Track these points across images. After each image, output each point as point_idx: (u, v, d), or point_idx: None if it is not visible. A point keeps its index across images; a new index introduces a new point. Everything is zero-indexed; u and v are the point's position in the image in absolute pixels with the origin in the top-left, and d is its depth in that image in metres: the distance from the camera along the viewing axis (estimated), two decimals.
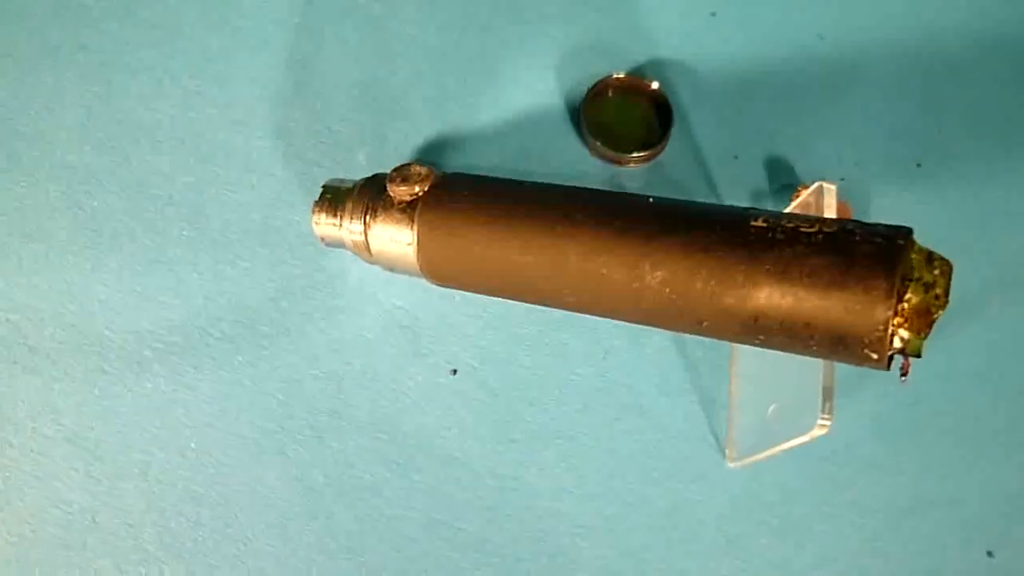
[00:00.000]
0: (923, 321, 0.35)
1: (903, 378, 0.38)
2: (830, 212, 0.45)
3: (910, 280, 0.35)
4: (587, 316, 0.43)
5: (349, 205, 0.47)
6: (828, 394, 0.41)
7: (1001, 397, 0.52)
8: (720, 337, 0.40)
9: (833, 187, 0.45)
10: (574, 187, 0.43)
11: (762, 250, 0.37)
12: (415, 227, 0.45)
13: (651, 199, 0.41)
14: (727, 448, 0.50)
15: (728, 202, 0.55)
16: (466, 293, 0.47)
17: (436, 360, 0.50)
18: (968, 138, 0.58)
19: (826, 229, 0.37)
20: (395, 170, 0.47)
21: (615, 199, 0.42)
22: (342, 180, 0.49)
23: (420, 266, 0.46)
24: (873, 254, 0.35)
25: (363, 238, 0.47)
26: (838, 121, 0.58)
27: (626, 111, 0.56)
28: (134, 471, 0.46)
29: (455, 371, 0.50)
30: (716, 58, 0.59)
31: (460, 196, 0.44)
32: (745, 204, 0.42)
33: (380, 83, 0.55)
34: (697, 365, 0.52)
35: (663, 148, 0.56)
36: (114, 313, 0.49)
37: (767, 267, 0.37)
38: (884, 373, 0.37)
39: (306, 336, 0.50)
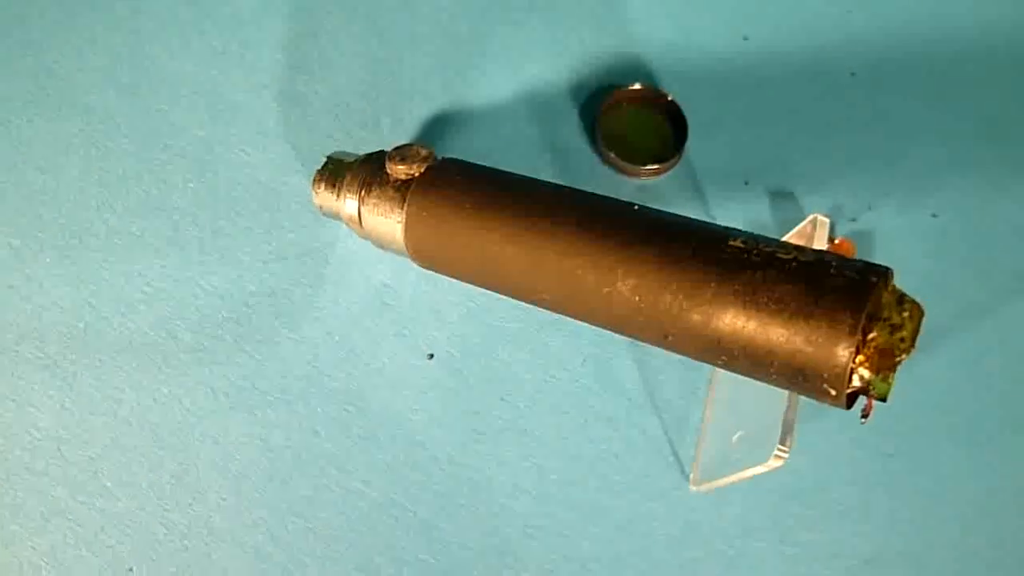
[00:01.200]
0: (885, 362, 0.34)
1: (863, 420, 0.37)
2: (820, 245, 0.44)
3: (878, 319, 0.34)
4: (572, 320, 0.43)
5: (348, 178, 0.48)
6: (788, 427, 0.40)
7: (980, 463, 0.51)
8: (685, 353, 0.39)
9: (826, 220, 0.45)
10: (564, 186, 0.43)
11: (734, 270, 0.37)
12: (406, 207, 0.45)
13: (636, 207, 0.41)
14: (692, 471, 0.50)
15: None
16: (454, 281, 0.47)
17: (415, 342, 0.51)
18: (990, 195, 0.57)
19: (802, 258, 0.36)
20: (396, 148, 0.47)
21: (600, 202, 0.42)
22: (347, 153, 0.50)
23: (406, 246, 0.46)
24: (844, 288, 0.35)
25: (357, 212, 0.48)
26: (858, 161, 0.57)
27: (641, 122, 0.56)
28: (105, 408, 0.47)
29: (432, 356, 0.51)
30: (742, 81, 0.58)
31: (452, 181, 0.45)
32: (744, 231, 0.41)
33: (399, 66, 0.56)
34: (674, 385, 0.51)
35: (676, 162, 0.55)
36: (109, 251, 0.50)
37: (736, 287, 0.36)
38: (864, 418, 0.37)
39: (291, 301, 0.51)
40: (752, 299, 0.36)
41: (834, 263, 0.36)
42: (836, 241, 0.54)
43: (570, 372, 0.51)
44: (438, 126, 0.56)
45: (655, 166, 0.54)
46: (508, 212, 0.42)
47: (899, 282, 0.36)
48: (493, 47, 0.57)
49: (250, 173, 0.53)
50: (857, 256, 0.54)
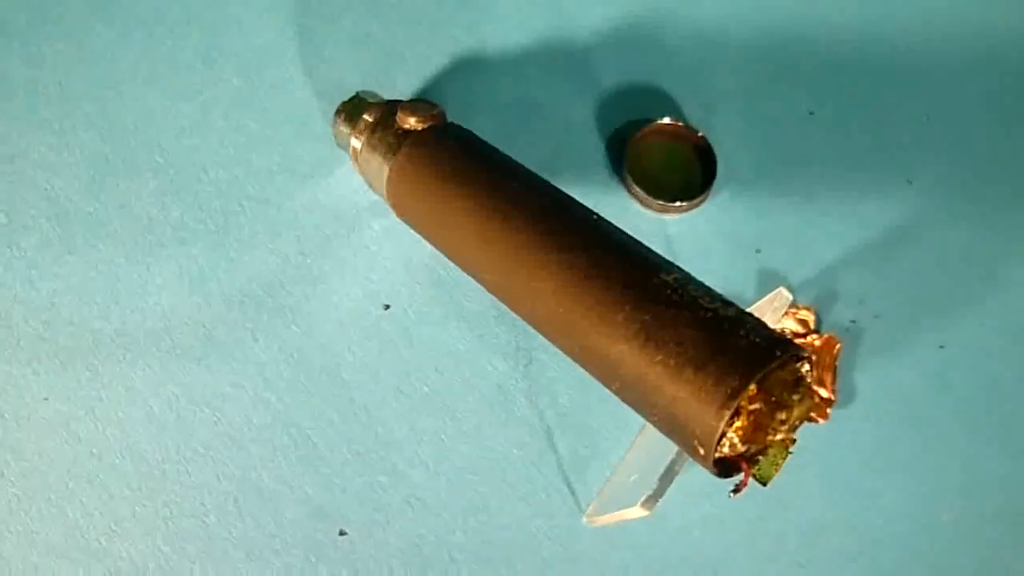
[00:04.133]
0: (757, 436, 0.33)
1: (733, 494, 0.36)
2: (775, 315, 0.43)
3: (767, 392, 0.33)
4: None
5: (365, 117, 0.50)
6: (665, 480, 0.39)
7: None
8: (587, 369, 0.39)
9: (789, 297, 0.43)
10: (547, 183, 0.43)
11: (651, 302, 0.36)
12: (397, 155, 0.46)
13: (596, 217, 0.41)
14: (591, 503, 0.48)
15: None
16: (435, 250, 0.48)
17: (376, 289, 0.52)
18: (1001, 334, 0.54)
19: (722, 312, 0.35)
20: (411, 100, 0.48)
21: (565, 203, 0.41)
22: (373, 94, 0.52)
23: (387, 191, 0.47)
24: (744, 351, 0.33)
25: (359, 149, 0.49)
26: (875, 266, 0.55)
27: (669, 157, 0.55)
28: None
29: (388, 307, 0.51)
30: (797, 151, 0.57)
31: (445, 144, 0.45)
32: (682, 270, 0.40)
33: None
34: (609, 416, 0.50)
35: (702, 202, 0.54)
36: (118, 176, 0.53)
37: (646, 318, 0.36)
38: (735, 492, 0.35)
39: (281, 214, 0.52)
40: (656, 335, 0.35)
41: (750, 326, 0.35)
42: (795, 310, 0.52)
43: (511, 366, 0.51)
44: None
45: (680, 203, 0.53)
46: (477, 188, 0.43)
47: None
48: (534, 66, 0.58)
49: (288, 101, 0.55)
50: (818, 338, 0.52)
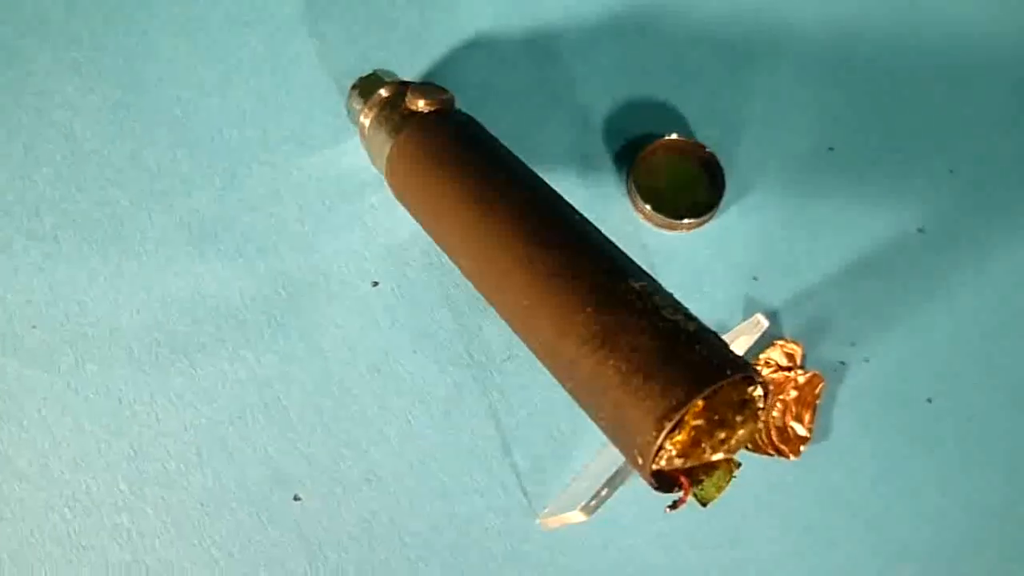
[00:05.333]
0: (694, 452, 0.33)
1: (670, 509, 0.35)
2: (747, 340, 0.42)
3: (712, 410, 0.33)
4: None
5: (378, 94, 0.50)
6: (607, 488, 0.38)
7: None
8: (546, 364, 0.39)
9: (765, 324, 0.42)
10: (533, 176, 0.43)
11: (615, 305, 0.36)
12: (399, 135, 0.47)
13: (579, 217, 0.41)
14: (548, 506, 0.48)
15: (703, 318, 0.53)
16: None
17: (368, 267, 0.52)
18: (994, 397, 0.52)
19: (682, 325, 0.35)
20: (423, 83, 0.49)
21: (551, 200, 0.41)
22: (392, 75, 0.52)
23: (385, 169, 0.48)
24: (695, 366, 0.33)
25: (367, 124, 0.50)
26: (873, 311, 0.53)
27: (677, 173, 0.54)
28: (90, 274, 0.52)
29: (376, 284, 0.52)
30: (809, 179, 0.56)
31: (446, 130, 0.46)
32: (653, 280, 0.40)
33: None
34: (577, 420, 0.50)
35: (707, 220, 0.54)
36: (135, 124, 0.54)
37: (606, 320, 0.35)
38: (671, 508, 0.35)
39: (286, 181, 0.53)
40: (612, 338, 0.35)
41: (708, 343, 0.34)
42: (783, 343, 0.52)
43: (488, 360, 0.51)
44: None
45: (686, 221, 0.53)
46: (467, 175, 0.43)
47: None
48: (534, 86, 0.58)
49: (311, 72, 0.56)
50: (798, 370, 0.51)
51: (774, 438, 0.51)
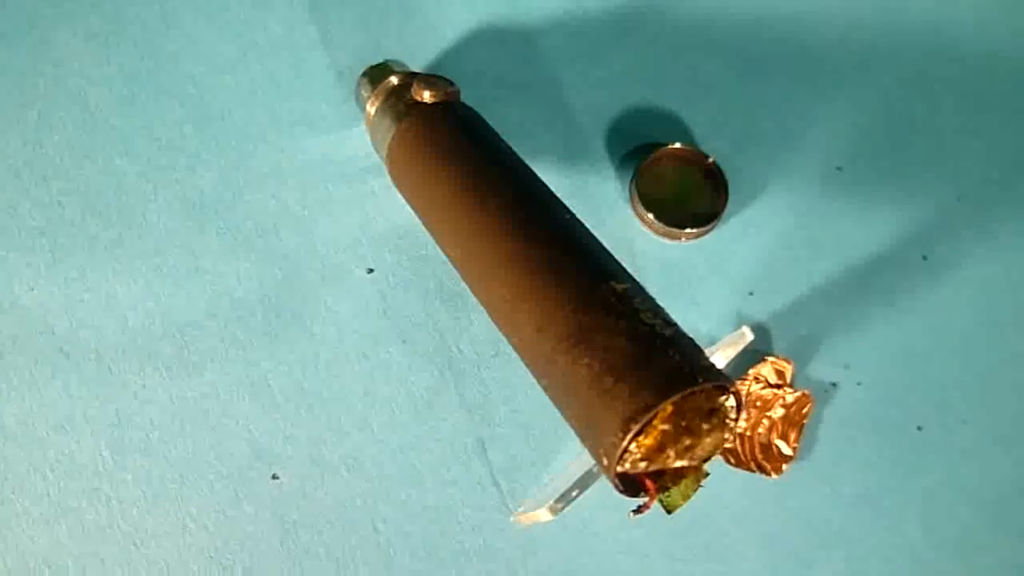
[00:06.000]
0: (657, 457, 0.32)
1: (634, 514, 0.35)
2: (730, 352, 0.42)
3: (680, 416, 0.32)
4: None
5: (386, 83, 0.50)
6: (576, 487, 0.38)
7: None
8: (523, 360, 0.39)
9: (750, 337, 0.42)
10: (529, 173, 0.44)
11: (594, 305, 0.36)
12: (401, 124, 0.47)
13: (569, 215, 0.41)
14: (522, 503, 0.48)
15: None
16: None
17: (364, 253, 0.52)
18: (986, 433, 0.51)
19: (659, 329, 0.35)
20: (429, 75, 0.49)
21: (540, 197, 0.41)
22: (403, 65, 0.53)
23: (385, 157, 0.48)
24: (667, 371, 0.33)
25: (372, 111, 0.50)
26: (871, 336, 0.53)
27: (680, 183, 0.54)
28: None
29: (371, 271, 0.52)
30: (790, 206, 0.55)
31: (445, 121, 0.46)
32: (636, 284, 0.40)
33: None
34: (559, 420, 0.49)
35: (710, 230, 0.54)
36: (148, 97, 0.55)
37: (583, 320, 0.35)
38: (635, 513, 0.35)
39: (291, 163, 0.53)
40: (588, 337, 0.35)
41: (684, 349, 0.34)
42: (774, 359, 0.51)
43: (476, 354, 0.51)
44: None
45: (687, 230, 0.53)
46: (462, 167, 0.43)
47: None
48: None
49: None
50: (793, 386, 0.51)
51: (757, 454, 0.50)
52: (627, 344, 0.34)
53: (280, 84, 0.55)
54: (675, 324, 0.36)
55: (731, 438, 0.33)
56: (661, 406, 0.32)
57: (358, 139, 0.54)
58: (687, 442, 0.32)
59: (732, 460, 0.50)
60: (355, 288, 0.52)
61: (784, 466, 0.50)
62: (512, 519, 0.48)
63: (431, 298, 0.52)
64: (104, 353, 0.49)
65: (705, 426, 0.32)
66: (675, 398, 0.32)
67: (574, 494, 0.38)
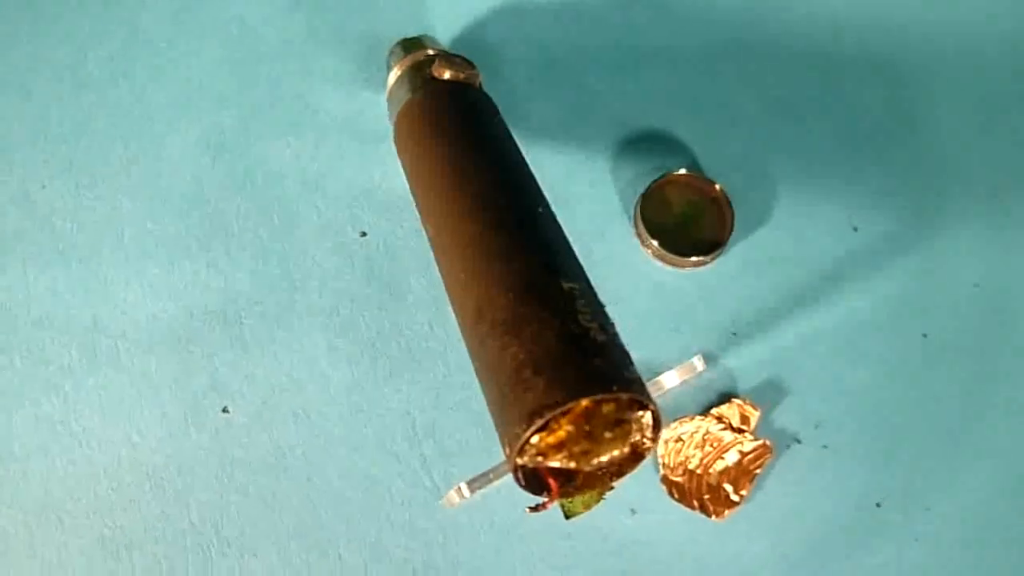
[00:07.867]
0: (554, 455, 0.32)
1: (531, 510, 0.35)
2: (675, 377, 0.41)
3: (583, 420, 0.32)
4: None
5: (413, 56, 0.51)
6: (494, 472, 0.38)
7: None
8: (463, 339, 0.39)
9: (700, 367, 0.41)
10: (520, 166, 0.44)
11: (537, 299, 0.35)
12: (412, 96, 0.48)
13: (541, 209, 0.41)
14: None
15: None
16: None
17: (362, 216, 0.53)
18: (950, 517, 0.49)
19: (592, 334, 0.34)
20: (453, 54, 0.50)
21: (521, 187, 0.41)
22: (436, 42, 0.54)
23: (393, 126, 0.49)
24: (585, 373, 0.33)
25: (392, 81, 0.51)
26: (848, 402, 0.51)
27: (685, 210, 0.54)
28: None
29: (364, 234, 0.53)
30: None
31: (453, 101, 0.46)
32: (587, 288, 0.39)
33: None
34: None
35: (716, 256, 0.53)
36: (191, 34, 0.56)
37: (522, 311, 0.35)
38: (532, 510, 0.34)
39: (312, 118, 0.55)
40: (520, 327, 0.35)
41: (611, 357, 0.34)
42: (740, 403, 0.50)
43: (444, 334, 0.51)
44: None
45: (694, 258, 0.52)
46: (453, 149, 0.43)
47: None
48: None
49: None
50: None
51: (703, 494, 0.49)
52: (555, 341, 0.34)
53: (320, 41, 0.57)
54: (614, 334, 0.35)
55: (646, 455, 0.32)
56: (567, 405, 0.32)
57: (379, 106, 0.55)
58: (585, 446, 0.32)
59: (676, 494, 0.49)
60: (344, 247, 0.53)
61: (727, 511, 0.49)
62: (440, 502, 0.48)
63: (416, 273, 0.52)
64: (96, 258, 0.51)
65: (607, 435, 0.32)
66: (586, 401, 0.32)
67: (491, 476, 0.38)
